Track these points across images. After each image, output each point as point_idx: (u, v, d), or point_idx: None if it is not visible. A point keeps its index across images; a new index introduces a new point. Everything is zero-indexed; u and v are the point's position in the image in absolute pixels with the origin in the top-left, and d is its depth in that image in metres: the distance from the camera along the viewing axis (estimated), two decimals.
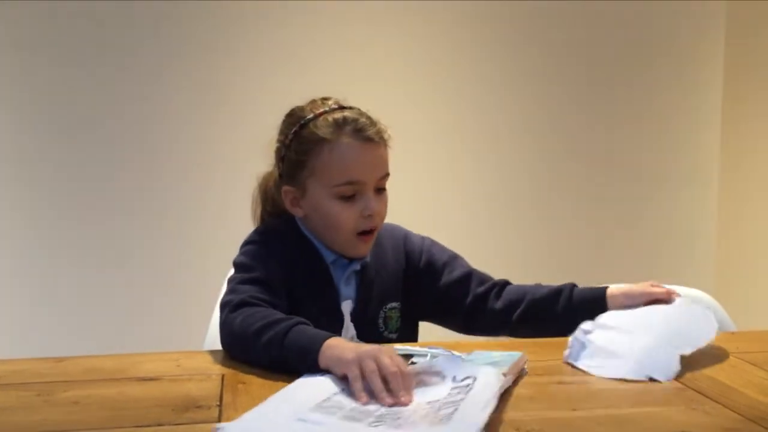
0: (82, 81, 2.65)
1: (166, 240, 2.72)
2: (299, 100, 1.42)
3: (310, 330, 1.12)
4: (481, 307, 1.43)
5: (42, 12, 2.60)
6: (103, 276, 2.70)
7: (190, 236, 2.72)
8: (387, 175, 1.36)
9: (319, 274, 1.36)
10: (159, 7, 2.66)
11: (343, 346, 1.06)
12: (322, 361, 1.06)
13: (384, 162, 1.35)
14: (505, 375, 1.04)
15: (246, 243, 1.37)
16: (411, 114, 2.77)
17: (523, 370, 1.13)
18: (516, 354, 1.14)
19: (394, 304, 1.41)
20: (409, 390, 0.99)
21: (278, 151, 1.39)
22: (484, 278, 1.46)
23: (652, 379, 1.09)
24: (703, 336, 1.17)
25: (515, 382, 1.08)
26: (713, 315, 1.22)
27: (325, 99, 1.38)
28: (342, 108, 1.36)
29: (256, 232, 1.40)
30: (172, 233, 2.72)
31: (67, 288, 2.69)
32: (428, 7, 2.81)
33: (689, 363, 1.15)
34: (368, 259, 1.39)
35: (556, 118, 2.94)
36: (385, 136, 1.36)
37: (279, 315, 1.16)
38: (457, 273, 1.44)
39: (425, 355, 1.13)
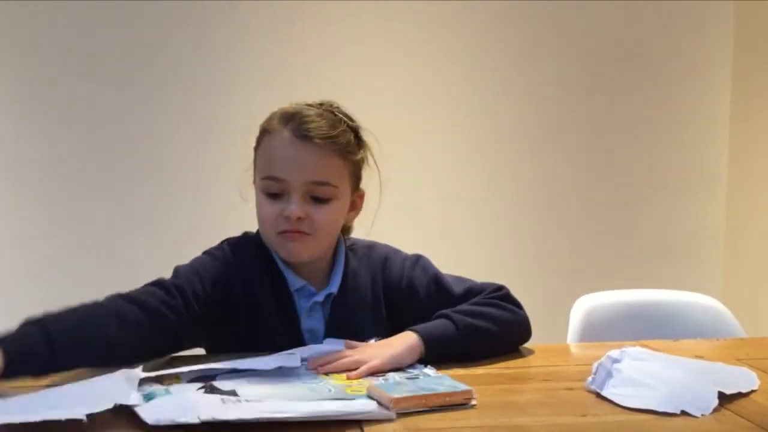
0: (81, 81, 2.64)
1: (175, 241, 2.72)
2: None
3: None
4: None
5: (42, 12, 2.60)
6: (112, 278, 2.69)
7: (199, 237, 2.71)
8: (326, 183, 1.21)
9: (281, 299, 1.27)
10: (162, 6, 2.67)
11: None
12: None
13: (318, 167, 1.20)
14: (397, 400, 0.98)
15: (204, 252, 1.32)
16: (412, 115, 2.76)
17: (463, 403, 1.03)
18: (460, 386, 1.05)
19: (373, 341, 1.22)
20: None
21: None
22: (472, 293, 1.30)
23: (684, 413, 1.00)
24: (745, 384, 1.11)
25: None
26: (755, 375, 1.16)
27: (320, 103, 1.28)
28: (311, 105, 1.25)
29: (220, 246, 1.33)
30: (181, 234, 2.72)
31: (75, 289, 2.68)
32: (432, 8, 2.81)
33: None
34: (334, 290, 1.28)
35: (563, 121, 2.93)
36: (338, 142, 1.21)
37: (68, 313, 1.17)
38: (440, 296, 1.30)
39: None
